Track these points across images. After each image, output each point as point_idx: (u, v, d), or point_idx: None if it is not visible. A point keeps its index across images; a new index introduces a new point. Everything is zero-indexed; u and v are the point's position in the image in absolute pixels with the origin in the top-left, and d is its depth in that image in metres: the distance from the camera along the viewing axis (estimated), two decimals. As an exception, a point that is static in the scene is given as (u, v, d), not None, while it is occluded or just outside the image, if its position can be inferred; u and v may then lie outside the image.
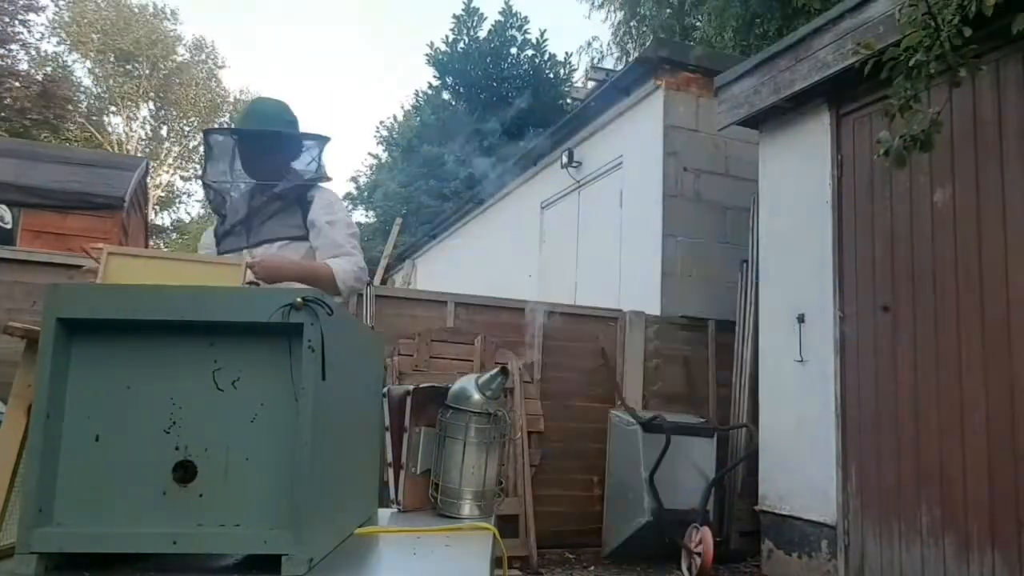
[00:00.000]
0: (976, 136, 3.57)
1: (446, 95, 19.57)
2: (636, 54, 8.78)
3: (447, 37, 18.91)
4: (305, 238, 2.25)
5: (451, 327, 5.15)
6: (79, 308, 0.81)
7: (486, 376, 1.34)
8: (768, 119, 4.93)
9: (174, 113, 25.63)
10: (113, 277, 1.67)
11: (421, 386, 1.38)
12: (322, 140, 2.28)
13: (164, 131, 25.97)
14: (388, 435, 1.35)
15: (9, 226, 6.77)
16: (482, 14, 18.82)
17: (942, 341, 3.66)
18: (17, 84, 19.19)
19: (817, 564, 4.23)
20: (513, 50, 18.87)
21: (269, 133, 2.23)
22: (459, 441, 1.29)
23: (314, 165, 2.30)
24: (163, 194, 25.48)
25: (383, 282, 13.73)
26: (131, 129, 25.68)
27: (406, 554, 1.04)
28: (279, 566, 0.79)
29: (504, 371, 1.34)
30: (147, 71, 25.29)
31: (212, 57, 26.55)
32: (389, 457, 1.35)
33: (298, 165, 2.31)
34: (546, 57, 19.18)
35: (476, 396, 1.31)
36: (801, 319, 4.51)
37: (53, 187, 7.16)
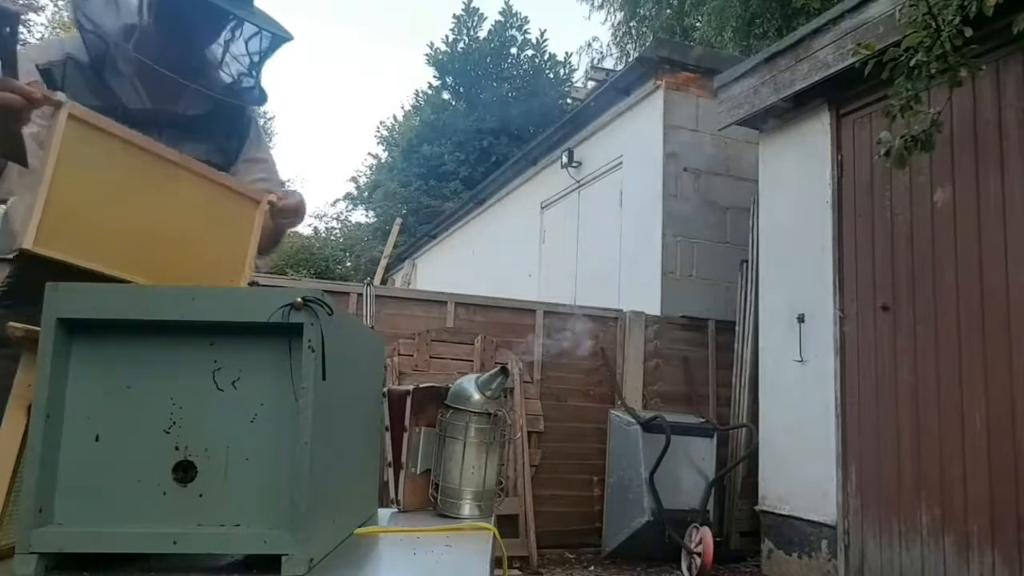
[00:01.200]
0: (976, 136, 3.57)
1: (446, 95, 19.59)
2: (636, 54, 8.78)
3: (447, 37, 18.97)
4: (225, 169, 1.64)
5: (451, 327, 5.15)
6: (79, 308, 0.81)
7: (486, 376, 1.33)
8: (768, 119, 4.93)
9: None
10: (65, 155, 1.10)
11: (421, 386, 1.38)
12: (281, 39, 1.56)
13: (164, 131, 25.98)
14: (388, 435, 1.34)
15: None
16: (482, 14, 18.87)
17: (942, 341, 3.66)
18: (17, 84, 19.18)
19: (817, 564, 4.23)
20: (513, 50, 18.90)
21: (250, 18, 1.52)
22: (459, 441, 1.29)
23: (253, 78, 1.59)
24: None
25: (383, 282, 13.74)
26: (131, 129, 25.59)
27: (406, 554, 1.04)
28: (279, 566, 0.79)
29: (504, 371, 1.34)
30: (147, 71, 25.20)
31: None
32: (389, 457, 1.34)
33: (234, 66, 1.58)
34: (546, 57, 19.21)
35: (476, 396, 1.31)
36: (801, 319, 4.51)
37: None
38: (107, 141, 1.20)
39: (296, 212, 1.54)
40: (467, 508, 1.28)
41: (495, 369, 1.35)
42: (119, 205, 1.22)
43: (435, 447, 1.33)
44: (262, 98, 1.65)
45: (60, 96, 1.13)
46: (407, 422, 1.33)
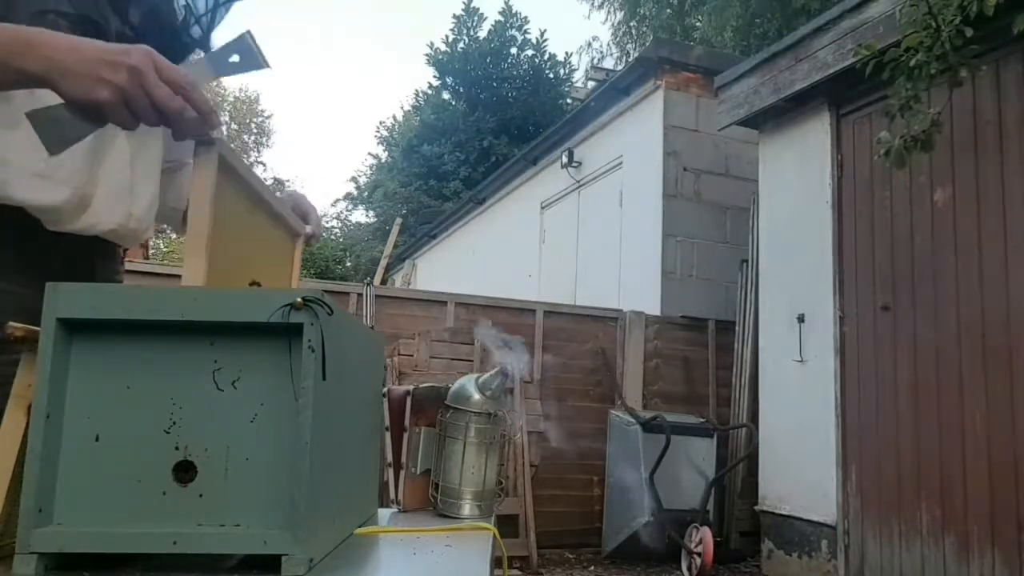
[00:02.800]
0: (976, 136, 3.57)
1: (446, 95, 19.59)
2: (636, 54, 8.78)
3: (447, 37, 18.95)
4: None
5: (451, 327, 5.15)
6: (79, 308, 0.81)
7: (486, 376, 1.33)
8: (768, 119, 4.93)
9: (174, 113, 25.61)
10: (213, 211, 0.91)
11: (421, 386, 1.38)
12: None
13: (164, 131, 25.97)
14: (388, 435, 1.34)
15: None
16: (482, 14, 18.85)
17: (942, 341, 3.66)
18: (17, 84, 19.15)
19: (817, 564, 4.23)
20: (513, 50, 18.89)
21: None
22: (459, 441, 1.29)
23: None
24: (163, 194, 25.44)
25: (383, 282, 13.74)
26: (131, 130, 25.56)
27: (406, 554, 1.04)
28: (279, 566, 0.79)
29: (504, 371, 1.34)
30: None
31: (212, 57, 26.53)
32: (389, 457, 1.34)
33: None
34: (546, 57, 19.20)
35: (476, 396, 1.31)
36: (801, 319, 4.51)
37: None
38: (241, 195, 0.99)
39: (318, 239, 1.40)
40: (467, 508, 1.28)
41: (495, 369, 1.35)
42: (233, 272, 1.04)
43: (435, 447, 1.33)
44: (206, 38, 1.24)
45: (218, 128, 0.90)
46: (407, 422, 1.33)
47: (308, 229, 1.32)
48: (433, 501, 1.31)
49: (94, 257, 1.16)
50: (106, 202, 1.10)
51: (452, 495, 1.28)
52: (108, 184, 1.10)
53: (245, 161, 1.06)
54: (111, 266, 1.21)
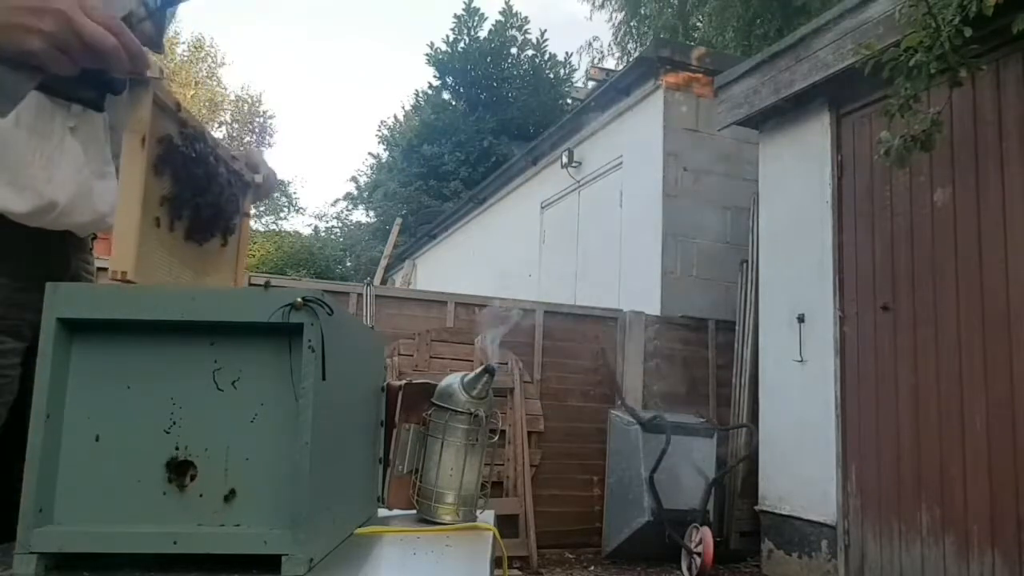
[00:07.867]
0: (976, 136, 3.57)
1: (446, 95, 19.59)
2: (637, 54, 8.79)
3: (447, 37, 18.95)
4: None
5: (451, 327, 5.15)
6: (79, 308, 0.81)
7: (471, 376, 1.30)
8: (768, 119, 4.93)
9: (174, 113, 25.59)
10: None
11: (414, 381, 1.36)
12: None
13: (164, 131, 25.92)
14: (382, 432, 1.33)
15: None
16: (482, 14, 18.85)
17: (942, 341, 3.66)
18: (17, 84, 19.10)
19: (817, 564, 4.23)
20: (513, 50, 18.90)
21: None
22: (439, 440, 1.26)
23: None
24: (163, 194, 25.39)
25: (383, 282, 13.73)
26: (131, 129, 25.49)
27: (406, 554, 1.04)
28: (279, 566, 0.79)
29: (488, 370, 1.30)
30: (147, 71, 25.13)
31: (212, 55, 26.55)
32: (380, 454, 1.32)
33: None
34: (546, 57, 19.21)
35: (459, 395, 1.28)
36: (801, 319, 4.51)
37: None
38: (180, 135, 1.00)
39: (270, 191, 1.34)
40: (442, 512, 1.22)
41: (479, 369, 1.32)
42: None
43: (419, 446, 1.29)
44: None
45: (155, 67, 0.87)
46: (396, 418, 1.30)
47: (258, 178, 1.28)
48: (414, 503, 1.26)
49: (67, 248, 1.16)
50: (71, 204, 1.10)
51: (428, 497, 1.25)
52: (69, 187, 1.09)
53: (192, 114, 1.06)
54: (82, 255, 1.22)
